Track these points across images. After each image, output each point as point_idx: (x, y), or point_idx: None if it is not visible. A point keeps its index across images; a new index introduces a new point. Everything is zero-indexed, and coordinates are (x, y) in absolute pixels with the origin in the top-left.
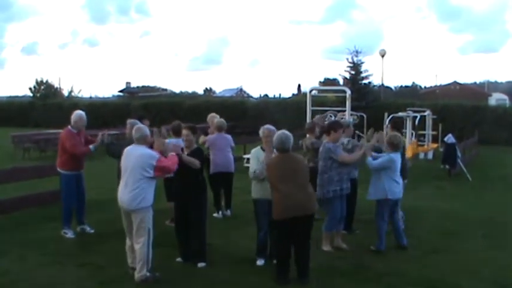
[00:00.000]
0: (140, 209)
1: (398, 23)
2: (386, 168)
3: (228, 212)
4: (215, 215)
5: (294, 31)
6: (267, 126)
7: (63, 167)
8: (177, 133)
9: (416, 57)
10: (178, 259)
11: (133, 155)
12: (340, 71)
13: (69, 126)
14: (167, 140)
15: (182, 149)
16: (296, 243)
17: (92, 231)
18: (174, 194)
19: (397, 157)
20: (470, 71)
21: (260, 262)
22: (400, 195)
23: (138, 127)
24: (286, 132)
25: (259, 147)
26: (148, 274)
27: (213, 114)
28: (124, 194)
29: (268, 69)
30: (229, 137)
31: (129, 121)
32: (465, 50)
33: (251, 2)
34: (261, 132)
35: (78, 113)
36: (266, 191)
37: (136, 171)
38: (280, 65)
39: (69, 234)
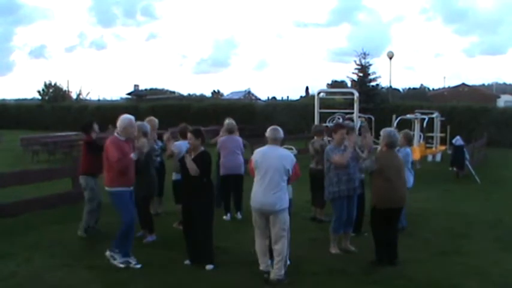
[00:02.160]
0: (283, 209)
1: (404, 25)
2: (405, 161)
3: (239, 215)
4: (224, 217)
5: (300, 33)
6: (274, 127)
7: (114, 183)
8: (183, 136)
9: (423, 59)
10: (187, 261)
11: (273, 156)
12: (347, 73)
13: (116, 133)
14: (176, 143)
15: (189, 152)
16: (387, 230)
17: (139, 266)
18: (181, 196)
19: (410, 151)
20: (478, 73)
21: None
22: (411, 184)
23: (275, 128)
24: (394, 129)
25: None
26: (283, 275)
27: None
28: (266, 196)
29: (276, 72)
30: (239, 139)
31: (136, 124)
32: (472, 51)
33: (257, 5)
34: (267, 133)
35: (127, 118)
36: None
37: (278, 173)
38: (288, 68)
39: (134, 262)
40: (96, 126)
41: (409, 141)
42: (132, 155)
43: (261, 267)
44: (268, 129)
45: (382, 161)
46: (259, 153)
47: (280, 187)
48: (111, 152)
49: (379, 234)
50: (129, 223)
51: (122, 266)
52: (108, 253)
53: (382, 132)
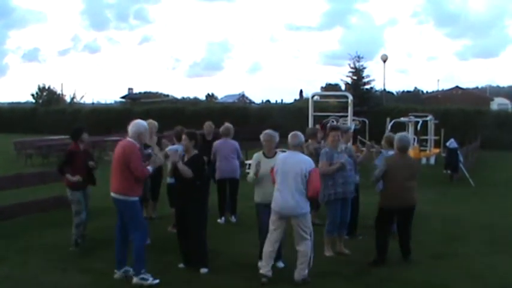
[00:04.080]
0: (304, 213)
1: (396, 29)
2: None
3: (233, 219)
4: (219, 220)
5: (292, 37)
6: (268, 131)
7: (130, 192)
8: (179, 138)
9: (416, 62)
10: (181, 265)
11: (292, 162)
12: (341, 76)
13: (131, 139)
14: (169, 147)
15: (183, 156)
16: (400, 228)
17: (156, 282)
18: (175, 199)
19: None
20: (471, 75)
21: (270, 267)
22: None
23: (295, 134)
24: (407, 134)
25: (260, 152)
26: (307, 275)
27: (151, 120)
28: (286, 200)
29: (269, 75)
30: (234, 142)
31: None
32: (464, 55)
33: (249, 8)
34: (261, 137)
35: (142, 124)
36: (267, 195)
37: (298, 177)
38: (282, 71)
39: (150, 280)
40: (85, 135)
41: (391, 144)
42: (149, 168)
43: (262, 271)
44: (290, 136)
45: (390, 163)
46: (280, 159)
47: (300, 191)
48: (135, 161)
49: (381, 237)
50: (145, 235)
51: (157, 281)
52: (136, 280)
53: (395, 138)
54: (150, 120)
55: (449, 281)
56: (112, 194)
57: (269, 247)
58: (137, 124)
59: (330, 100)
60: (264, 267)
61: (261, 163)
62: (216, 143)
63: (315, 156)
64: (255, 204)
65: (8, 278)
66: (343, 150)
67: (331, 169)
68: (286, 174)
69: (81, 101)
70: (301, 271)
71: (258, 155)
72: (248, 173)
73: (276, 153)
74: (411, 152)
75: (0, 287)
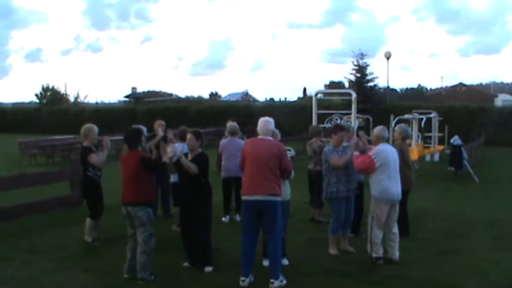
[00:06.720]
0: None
1: (398, 26)
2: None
3: (238, 217)
4: (223, 219)
5: (293, 34)
6: (382, 127)
7: (281, 192)
8: (182, 138)
9: (419, 60)
10: (185, 263)
11: (392, 152)
12: (344, 73)
13: (270, 137)
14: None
15: (187, 154)
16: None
17: (285, 282)
18: (178, 197)
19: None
20: (475, 72)
21: (266, 263)
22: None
23: (383, 128)
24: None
25: None
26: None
27: (90, 125)
28: (397, 187)
29: (272, 73)
30: (241, 141)
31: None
32: (466, 51)
33: (251, 6)
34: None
35: (272, 121)
36: None
37: (397, 165)
38: (285, 69)
39: (285, 281)
40: (144, 139)
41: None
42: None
43: (377, 254)
44: (379, 128)
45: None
46: (383, 152)
47: (399, 178)
48: (288, 159)
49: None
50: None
51: (285, 282)
52: (277, 284)
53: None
54: (92, 125)
55: (453, 277)
56: (258, 197)
57: (381, 234)
58: (270, 122)
59: (333, 98)
60: (379, 251)
61: None
62: (222, 142)
63: (318, 154)
64: None
65: (13, 278)
66: (345, 147)
67: (346, 158)
68: (390, 163)
69: (85, 101)
70: (397, 251)
71: None
72: None
73: None
74: (415, 150)
75: (5, 287)
